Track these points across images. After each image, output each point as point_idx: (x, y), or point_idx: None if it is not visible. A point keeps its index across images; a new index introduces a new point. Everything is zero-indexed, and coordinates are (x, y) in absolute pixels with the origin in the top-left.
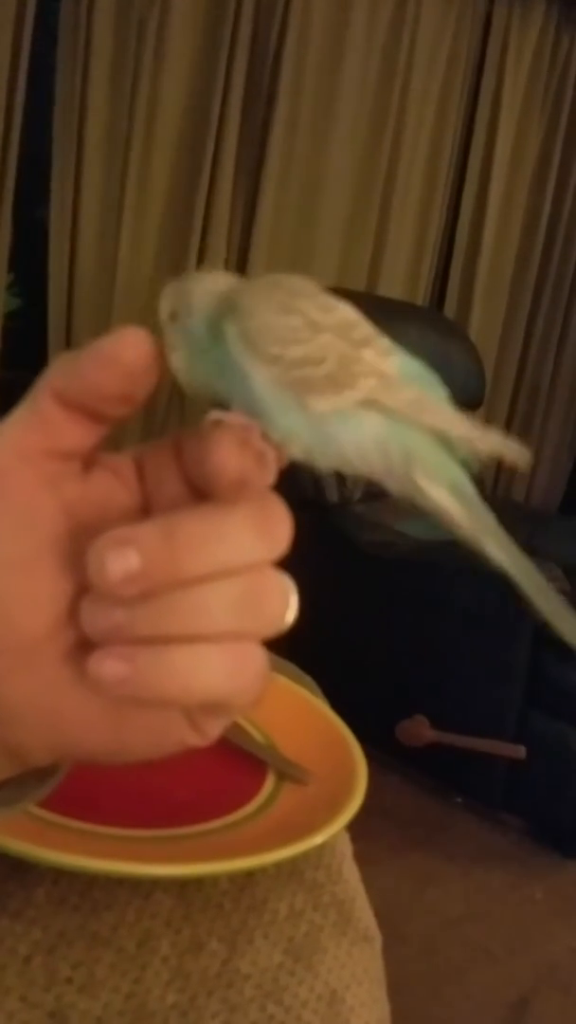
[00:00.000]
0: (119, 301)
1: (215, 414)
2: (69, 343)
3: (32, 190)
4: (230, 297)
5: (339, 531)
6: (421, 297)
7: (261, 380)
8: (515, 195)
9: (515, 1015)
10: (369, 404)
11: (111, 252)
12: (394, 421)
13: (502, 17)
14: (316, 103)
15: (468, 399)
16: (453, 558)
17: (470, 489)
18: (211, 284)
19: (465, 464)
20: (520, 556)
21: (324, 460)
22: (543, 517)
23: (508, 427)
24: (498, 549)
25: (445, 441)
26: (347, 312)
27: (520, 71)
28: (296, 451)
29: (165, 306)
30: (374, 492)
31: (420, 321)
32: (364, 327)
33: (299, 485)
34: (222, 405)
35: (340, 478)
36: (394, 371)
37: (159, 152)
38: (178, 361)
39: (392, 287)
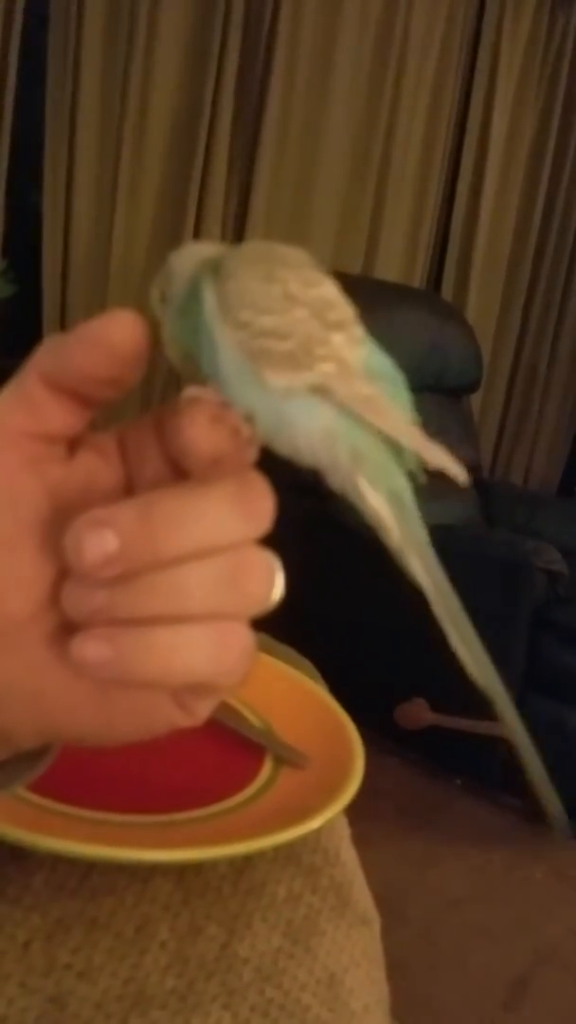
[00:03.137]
0: (113, 286)
1: (190, 391)
2: (63, 329)
3: (25, 175)
4: (218, 260)
5: (338, 517)
6: (418, 280)
7: (225, 344)
8: (511, 177)
9: (515, 995)
10: (322, 390)
11: (105, 237)
12: (346, 416)
13: None
14: (310, 86)
15: (465, 382)
16: (452, 542)
17: (409, 500)
18: (197, 250)
19: (409, 473)
20: (442, 579)
21: (279, 445)
22: (541, 499)
23: (506, 409)
24: (422, 567)
25: (394, 446)
26: (329, 291)
27: (515, 52)
28: (259, 431)
29: (156, 287)
30: None
31: (417, 303)
32: (343, 310)
33: (295, 470)
34: (204, 382)
35: None
36: (357, 362)
37: (152, 137)
38: (166, 336)
39: (388, 270)
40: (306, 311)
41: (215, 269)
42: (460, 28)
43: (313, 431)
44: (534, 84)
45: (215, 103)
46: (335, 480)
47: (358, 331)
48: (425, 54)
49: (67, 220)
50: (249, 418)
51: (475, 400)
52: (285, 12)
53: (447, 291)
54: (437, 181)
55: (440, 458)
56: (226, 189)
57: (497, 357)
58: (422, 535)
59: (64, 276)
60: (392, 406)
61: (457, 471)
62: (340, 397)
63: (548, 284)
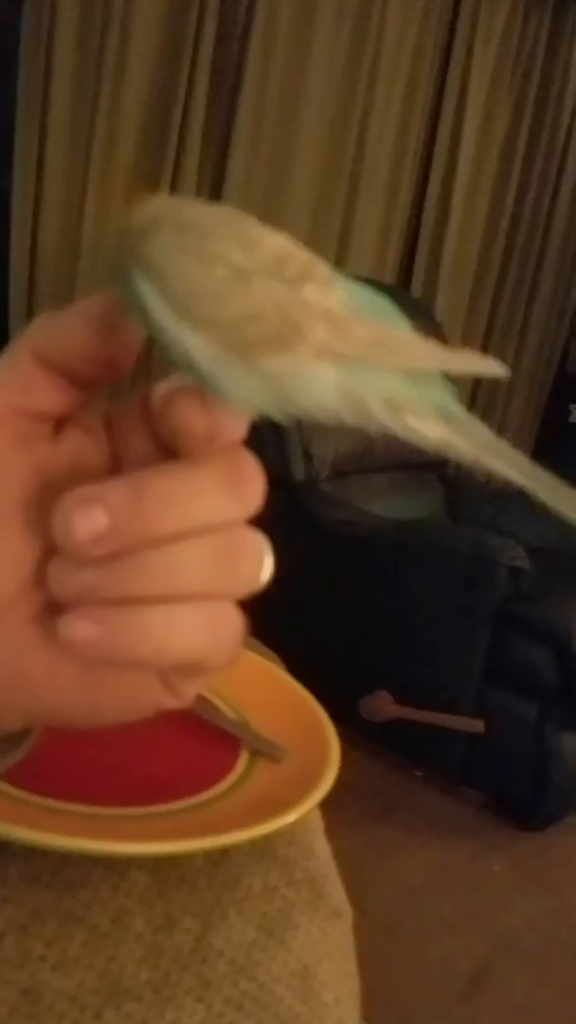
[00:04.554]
0: (83, 271)
1: (180, 376)
2: (31, 313)
3: None
4: (133, 240)
5: (305, 509)
6: (388, 276)
7: (200, 349)
8: (481, 176)
9: (473, 985)
10: (324, 355)
11: (75, 222)
12: (359, 369)
13: None
14: (284, 83)
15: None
16: (417, 536)
17: (460, 411)
18: (138, 220)
19: (444, 385)
20: (528, 465)
21: (283, 417)
22: (505, 496)
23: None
24: (505, 465)
25: (417, 371)
26: (274, 243)
27: (488, 52)
28: (254, 413)
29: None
30: (341, 470)
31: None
32: (297, 256)
33: (265, 462)
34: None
35: (306, 455)
36: (341, 308)
37: (125, 123)
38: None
39: (360, 266)
40: (263, 279)
41: (137, 258)
42: (434, 31)
43: (327, 397)
44: (506, 84)
45: (188, 98)
46: (373, 426)
47: (323, 271)
48: (399, 55)
49: (37, 204)
50: (243, 406)
51: None
52: (260, 10)
53: (416, 288)
54: (409, 179)
55: (468, 363)
56: (197, 185)
57: None
58: (488, 436)
59: (32, 260)
60: (396, 336)
61: (491, 367)
62: (346, 354)
63: (515, 282)
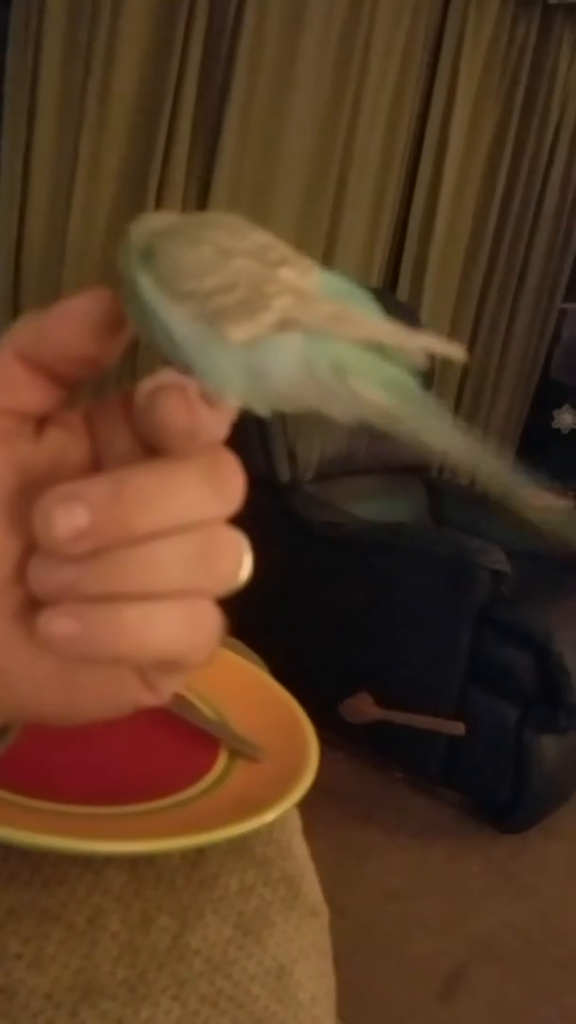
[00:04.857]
0: (69, 270)
1: (163, 372)
2: (16, 312)
3: None
4: (146, 245)
5: (290, 510)
6: (375, 279)
7: (176, 320)
8: (468, 180)
9: (450, 986)
10: (287, 324)
11: (61, 221)
12: (319, 338)
13: (459, 2)
14: (272, 87)
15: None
16: (400, 539)
17: (410, 384)
18: (150, 223)
19: (403, 365)
20: (474, 443)
21: (261, 403)
22: (487, 500)
23: (455, 410)
24: (449, 438)
25: (379, 349)
26: (262, 236)
27: (476, 57)
28: (234, 399)
29: (120, 258)
30: (325, 472)
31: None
32: (281, 248)
33: (251, 464)
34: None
35: (291, 456)
36: (313, 288)
37: (113, 122)
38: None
39: (346, 269)
40: (245, 259)
41: (142, 254)
42: (422, 35)
43: (290, 367)
44: (493, 90)
45: (176, 99)
46: (333, 407)
47: (305, 262)
48: (387, 59)
49: (23, 201)
50: (220, 390)
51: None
52: (248, 12)
53: (402, 291)
54: (396, 183)
55: (425, 342)
56: (185, 187)
57: (448, 360)
58: (438, 411)
59: (17, 258)
60: (358, 312)
61: (448, 349)
62: (306, 323)
63: (500, 288)
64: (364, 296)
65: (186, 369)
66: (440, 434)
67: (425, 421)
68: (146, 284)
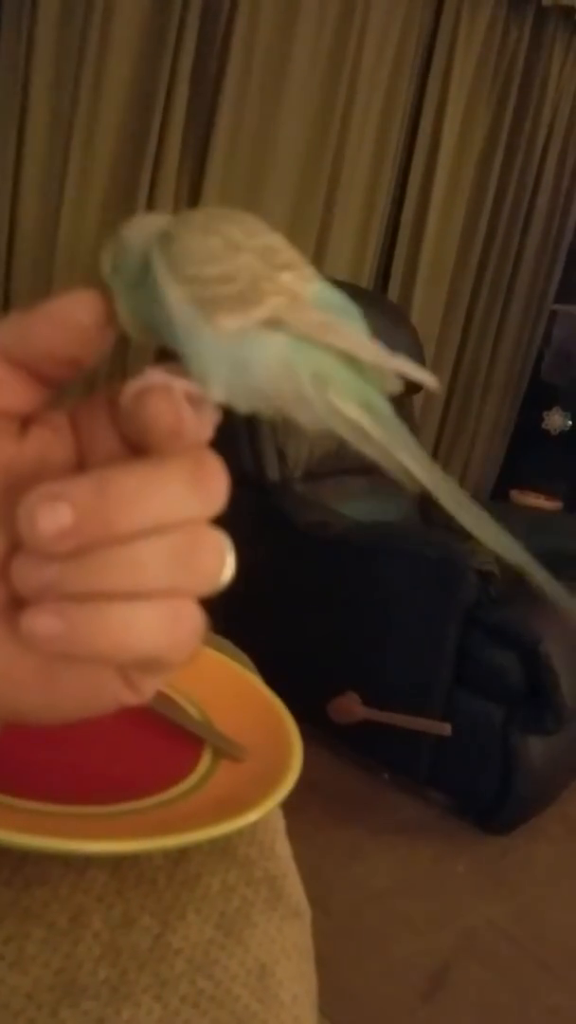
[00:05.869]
0: (60, 267)
1: (151, 371)
2: (7, 307)
3: None
4: (166, 229)
5: (278, 509)
6: (365, 280)
7: (173, 299)
8: (460, 181)
9: (434, 985)
10: (275, 324)
11: (52, 217)
12: (302, 342)
13: (452, 4)
14: (265, 83)
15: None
16: (389, 539)
17: (384, 405)
18: (148, 222)
19: (378, 385)
20: (435, 469)
21: (242, 397)
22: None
23: (446, 412)
24: (414, 462)
25: (356, 365)
26: (274, 239)
27: (469, 56)
28: (217, 392)
29: (106, 259)
30: (315, 472)
31: (364, 303)
32: (289, 253)
33: (240, 463)
34: (167, 355)
35: (281, 456)
36: (309, 295)
37: (105, 120)
38: (121, 310)
39: (337, 269)
40: (251, 256)
41: (162, 239)
42: (415, 33)
43: (270, 364)
44: (485, 92)
45: (169, 94)
46: (306, 413)
47: (308, 271)
48: (380, 58)
49: (14, 197)
50: (204, 378)
51: (415, 401)
52: (242, 7)
53: (393, 292)
54: (387, 185)
55: (402, 366)
56: (176, 183)
57: (439, 360)
58: (404, 433)
59: (9, 254)
60: (348, 327)
61: (422, 376)
62: (292, 325)
63: (491, 289)
64: (355, 313)
65: (175, 353)
66: (406, 460)
67: (394, 444)
68: (159, 263)
